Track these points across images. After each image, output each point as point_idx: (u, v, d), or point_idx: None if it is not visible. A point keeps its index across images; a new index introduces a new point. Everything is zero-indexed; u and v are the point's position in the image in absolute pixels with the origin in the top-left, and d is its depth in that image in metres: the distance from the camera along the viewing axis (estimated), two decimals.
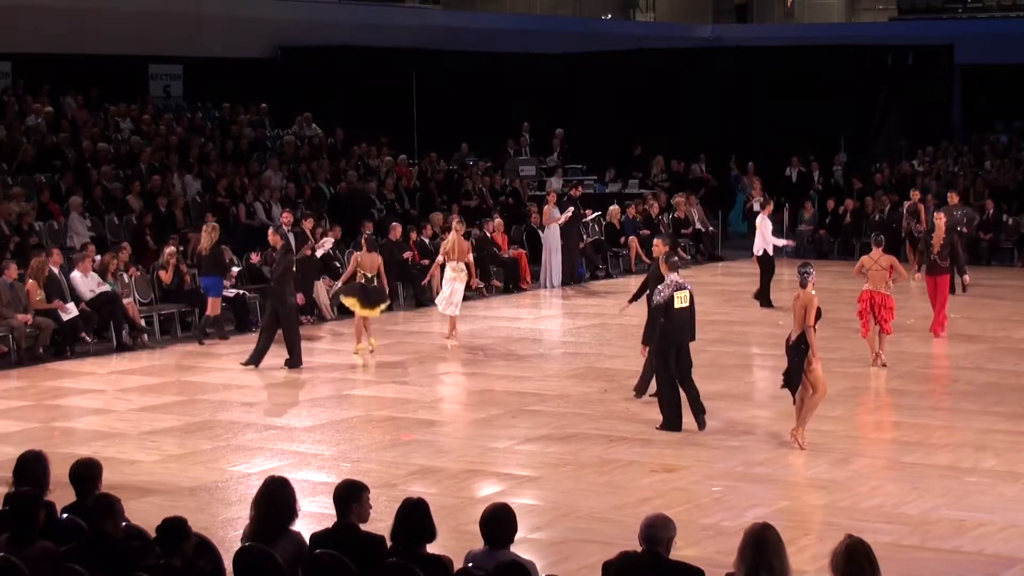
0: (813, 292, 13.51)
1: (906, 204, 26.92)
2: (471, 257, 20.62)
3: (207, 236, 20.35)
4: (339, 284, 20.37)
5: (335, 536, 7.82)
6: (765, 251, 22.62)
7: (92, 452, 12.55)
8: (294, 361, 18.00)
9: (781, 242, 23.49)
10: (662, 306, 14.18)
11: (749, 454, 13.38)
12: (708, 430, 14.36)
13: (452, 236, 20.17)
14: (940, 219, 19.83)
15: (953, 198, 25.64)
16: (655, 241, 16.11)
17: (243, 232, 24.13)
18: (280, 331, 18.11)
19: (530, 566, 7.43)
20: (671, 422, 14.26)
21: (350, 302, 18.89)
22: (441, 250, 20.44)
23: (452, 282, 19.83)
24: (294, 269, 18.24)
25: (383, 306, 19.04)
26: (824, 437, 13.62)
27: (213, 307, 20.25)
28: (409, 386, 16.94)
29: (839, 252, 27.43)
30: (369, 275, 18.68)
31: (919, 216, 23.96)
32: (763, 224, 22.73)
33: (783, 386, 13.73)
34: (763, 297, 22.66)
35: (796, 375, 13.40)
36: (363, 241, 19.31)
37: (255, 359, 18.03)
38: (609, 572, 7.24)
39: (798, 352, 13.33)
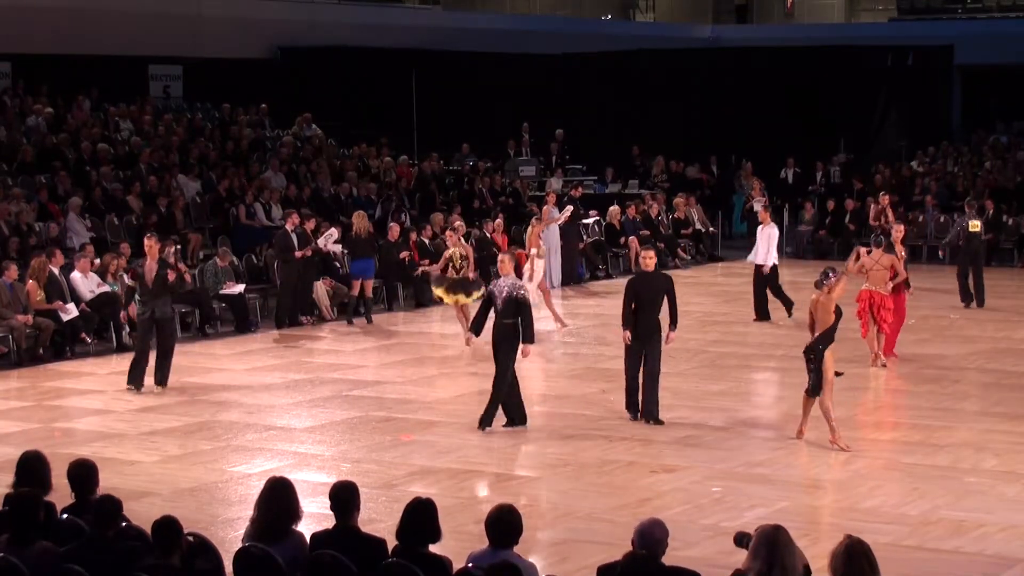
0: (829, 292, 13.60)
1: (873, 208, 25.62)
2: (540, 246, 21.33)
3: (359, 221, 21.91)
4: (433, 275, 20.53)
5: (336, 537, 7.82)
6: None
7: (92, 453, 12.58)
8: (156, 378, 16.63)
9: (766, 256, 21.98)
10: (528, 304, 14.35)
11: (749, 454, 13.39)
12: (708, 430, 14.37)
13: (530, 230, 21.54)
14: (899, 232, 18.80)
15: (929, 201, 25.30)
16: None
17: (243, 232, 24.11)
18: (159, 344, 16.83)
19: (531, 568, 7.43)
20: (520, 416, 14.49)
21: (439, 292, 19.58)
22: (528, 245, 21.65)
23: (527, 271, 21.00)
24: (170, 286, 16.67)
25: (476, 293, 19.03)
26: (824, 437, 13.62)
27: (356, 288, 21.79)
28: (409, 386, 16.94)
29: (839, 253, 27.39)
30: (459, 266, 19.24)
31: (885, 220, 23.10)
32: (771, 233, 21.36)
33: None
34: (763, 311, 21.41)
35: (816, 376, 13.44)
36: (447, 234, 20.13)
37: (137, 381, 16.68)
38: None
39: (815, 352, 13.39)
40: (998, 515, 11.34)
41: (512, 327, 14.23)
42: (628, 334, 14.54)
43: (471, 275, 19.37)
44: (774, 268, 21.28)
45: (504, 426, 14.42)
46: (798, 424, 13.87)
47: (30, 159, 24.27)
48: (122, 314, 18.46)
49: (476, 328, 14.89)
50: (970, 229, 22.74)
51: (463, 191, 28.67)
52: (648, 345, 14.53)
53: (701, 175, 33.49)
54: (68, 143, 25.24)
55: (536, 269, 21.05)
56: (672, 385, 17.06)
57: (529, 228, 22.11)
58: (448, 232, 20.25)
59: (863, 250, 17.95)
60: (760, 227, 21.49)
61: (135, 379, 16.66)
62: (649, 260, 14.74)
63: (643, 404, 14.63)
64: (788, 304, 21.26)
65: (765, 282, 21.32)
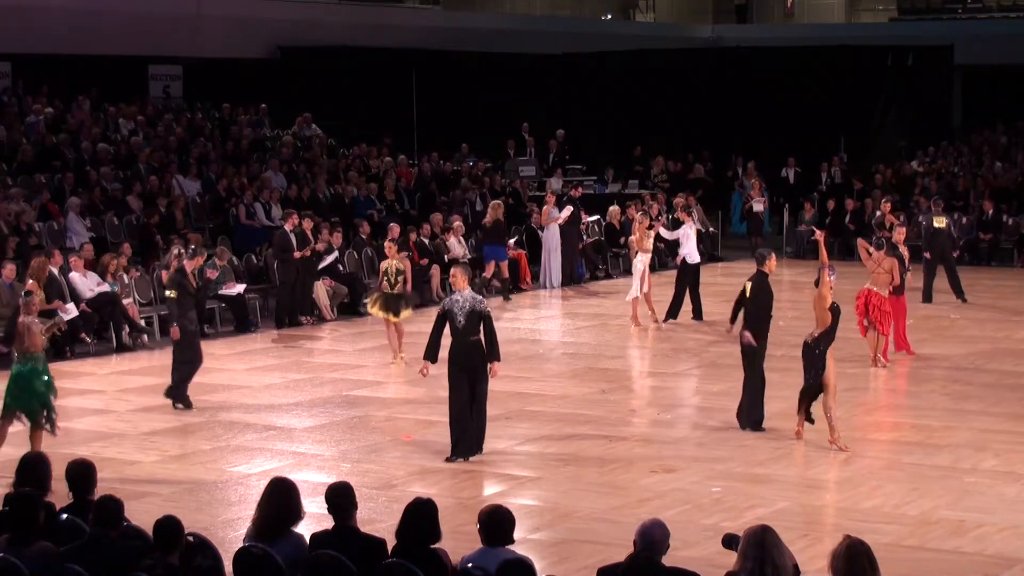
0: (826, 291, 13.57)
1: (876, 215, 25.33)
2: (647, 243, 21.12)
3: (492, 212, 24.32)
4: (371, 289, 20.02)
5: (335, 537, 7.83)
6: (685, 260, 21.35)
7: (92, 452, 12.59)
8: (175, 394, 15.78)
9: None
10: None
11: (749, 454, 13.39)
12: (708, 430, 14.37)
13: (637, 226, 21.29)
14: (901, 233, 18.83)
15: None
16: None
17: (243, 232, 24.10)
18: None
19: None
20: (468, 449, 13.36)
21: (370, 306, 18.69)
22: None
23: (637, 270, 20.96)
24: (192, 294, 16.02)
25: (405, 312, 18.19)
26: (824, 437, 13.62)
27: (490, 270, 24.17)
28: (409, 386, 16.93)
29: (839, 252, 27.38)
30: (393, 280, 18.15)
31: (887, 228, 22.96)
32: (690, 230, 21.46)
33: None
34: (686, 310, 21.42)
35: (818, 377, 13.44)
36: (387, 245, 18.69)
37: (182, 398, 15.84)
38: None
39: (815, 353, 13.39)
40: (998, 515, 11.34)
41: (478, 344, 13.23)
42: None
43: (407, 290, 18.25)
44: (687, 267, 21.34)
45: (447, 460, 13.29)
46: (796, 424, 13.87)
47: (30, 159, 24.26)
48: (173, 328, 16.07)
49: (431, 354, 13.46)
50: (935, 225, 22.79)
51: (466, 192, 28.60)
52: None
53: (703, 175, 33.50)
54: (68, 143, 25.24)
55: (635, 272, 20.99)
56: (672, 385, 17.11)
57: (637, 226, 21.49)
58: (387, 243, 18.80)
59: (864, 246, 17.99)
60: (682, 225, 21.63)
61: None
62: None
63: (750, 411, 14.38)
64: (674, 310, 21.39)
65: (688, 279, 21.38)
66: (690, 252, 21.39)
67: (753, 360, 14.22)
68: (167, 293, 15.90)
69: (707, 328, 20.76)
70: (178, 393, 15.71)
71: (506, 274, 24.37)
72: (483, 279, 23.94)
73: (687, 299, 21.37)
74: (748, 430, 14.18)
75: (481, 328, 13.27)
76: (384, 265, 18.42)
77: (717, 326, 20.60)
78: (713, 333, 20.27)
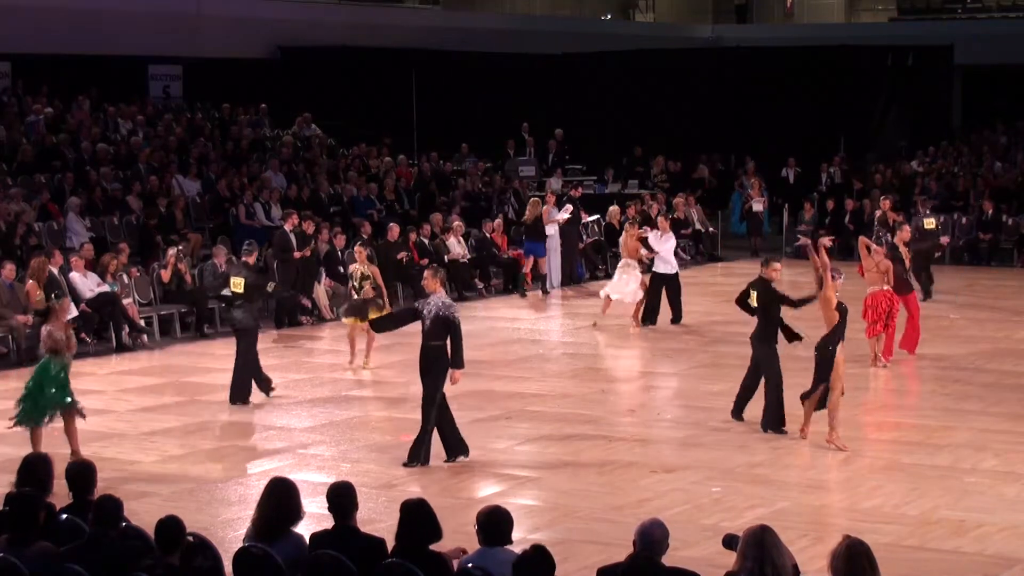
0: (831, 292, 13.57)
1: (876, 214, 25.62)
2: (641, 254, 21.01)
3: (531, 209, 24.59)
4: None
5: (335, 537, 7.83)
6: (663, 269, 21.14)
7: (92, 453, 12.61)
8: (237, 396, 16.00)
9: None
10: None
11: (749, 454, 13.39)
12: (708, 430, 14.37)
13: (624, 236, 21.48)
14: (906, 232, 18.82)
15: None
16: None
17: (243, 232, 24.09)
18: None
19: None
20: (460, 447, 13.30)
21: (343, 316, 18.39)
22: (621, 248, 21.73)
23: (620, 271, 21.12)
24: (267, 289, 16.35)
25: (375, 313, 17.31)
26: (824, 437, 13.60)
27: (528, 265, 24.66)
28: (409, 386, 16.92)
29: (839, 253, 27.34)
30: (358, 285, 17.87)
31: (889, 226, 22.93)
32: (668, 240, 21.23)
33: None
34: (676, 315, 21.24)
35: (822, 376, 13.44)
36: (357, 249, 18.29)
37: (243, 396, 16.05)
38: None
39: (825, 352, 13.40)
40: (998, 515, 11.34)
41: (441, 349, 12.95)
42: None
43: (372, 294, 17.60)
44: (656, 275, 21.15)
45: (446, 462, 13.17)
46: (800, 424, 13.87)
47: (30, 159, 24.26)
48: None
49: (377, 324, 14.90)
50: (925, 227, 22.81)
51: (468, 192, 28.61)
52: None
53: (708, 175, 33.54)
54: (68, 143, 25.25)
55: (627, 277, 20.89)
56: (672, 385, 17.11)
57: (624, 234, 21.51)
58: (357, 248, 18.36)
59: (865, 243, 17.99)
60: (659, 234, 21.28)
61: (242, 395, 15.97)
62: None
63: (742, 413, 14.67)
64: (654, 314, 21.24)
65: (656, 285, 21.19)
66: (664, 261, 21.05)
67: (771, 363, 14.21)
68: (270, 286, 15.99)
69: (707, 329, 20.75)
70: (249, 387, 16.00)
71: (544, 270, 24.76)
72: (522, 275, 24.64)
73: (662, 303, 21.24)
74: (771, 431, 14.08)
75: (448, 335, 12.96)
76: (351, 270, 18.21)
77: (715, 327, 20.62)
78: (712, 333, 20.29)
